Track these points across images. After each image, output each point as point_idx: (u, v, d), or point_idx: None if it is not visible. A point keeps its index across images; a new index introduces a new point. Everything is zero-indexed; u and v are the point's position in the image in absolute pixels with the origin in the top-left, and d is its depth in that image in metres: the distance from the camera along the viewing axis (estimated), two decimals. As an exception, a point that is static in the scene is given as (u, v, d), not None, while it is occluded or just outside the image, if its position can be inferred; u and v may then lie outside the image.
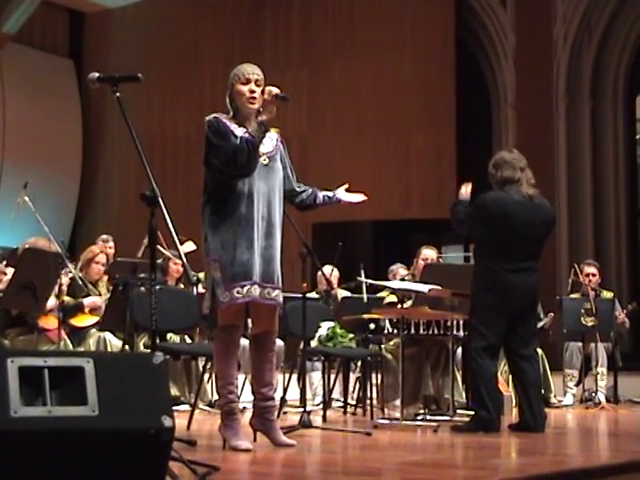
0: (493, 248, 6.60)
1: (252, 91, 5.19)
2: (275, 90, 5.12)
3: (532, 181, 6.77)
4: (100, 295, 8.71)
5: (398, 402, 7.74)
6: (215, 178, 5.15)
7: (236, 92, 5.23)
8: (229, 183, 5.10)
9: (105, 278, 8.99)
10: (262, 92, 5.18)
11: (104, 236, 10.33)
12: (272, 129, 5.29)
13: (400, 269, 9.92)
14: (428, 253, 8.95)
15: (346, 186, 5.66)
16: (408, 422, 7.06)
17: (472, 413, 6.78)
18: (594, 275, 10.59)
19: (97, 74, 4.44)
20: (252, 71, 5.24)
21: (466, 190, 6.94)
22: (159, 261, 8.88)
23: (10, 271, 7.63)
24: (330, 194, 5.59)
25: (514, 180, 6.69)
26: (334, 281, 10.23)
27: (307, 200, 5.50)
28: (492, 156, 7.04)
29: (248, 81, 5.20)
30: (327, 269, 9.70)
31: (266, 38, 15.62)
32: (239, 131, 5.15)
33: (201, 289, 8.51)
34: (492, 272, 6.58)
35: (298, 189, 5.48)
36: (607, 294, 10.79)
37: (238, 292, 5.02)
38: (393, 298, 8.90)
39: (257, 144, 5.07)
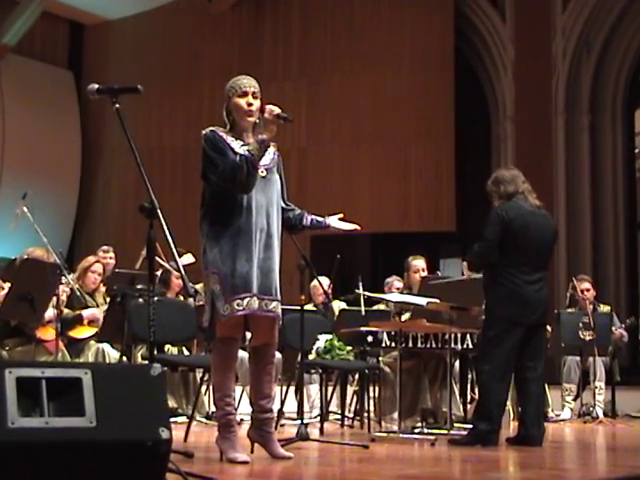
0: (510, 258, 6.57)
1: (249, 104, 5.17)
2: (277, 110, 5.08)
3: (534, 194, 6.81)
4: (98, 306, 8.70)
5: (396, 415, 7.73)
6: (213, 191, 5.13)
7: (233, 105, 5.21)
8: (227, 196, 5.08)
9: (103, 288, 8.99)
10: (262, 109, 5.13)
11: (105, 247, 10.30)
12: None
13: (396, 281, 9.92)
14: (418, 264, 8.94)
15: (340, 215, 5.63)
16: (405, 435, 7.06)
17: (470, 427, 6.78)
18: (588, 290, 10.60)
19: (97, 85, 4.45)
20: (249, 84, 5.21)
21: None
22: (159, 273, 8.88)
23: (7, 286, 7.61)
24: (320, 218, 5.53)
25: (519, 192, 6.72)
26: (320, 291, 10.20)
27: (293, 220, 5.42)
28: (490, 169, 7.07)
29: (245, 94, 5.18)
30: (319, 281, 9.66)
31: (265, 51, 15.65)
32: (236, 145, 5.13)
33: (199, 302, 8.52)
34: (509, 283, 6.55)
35: (285, 207, 5.41)
36: (604, 308, 10.79)
37: (238, 304, 4.99)
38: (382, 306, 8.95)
39: (257, 163, 5.04)
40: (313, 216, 5.51)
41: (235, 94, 5.19)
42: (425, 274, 8.78)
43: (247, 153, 5.02)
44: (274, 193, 5.24)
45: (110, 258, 10.11)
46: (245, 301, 5.01)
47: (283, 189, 5.39)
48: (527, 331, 6.61)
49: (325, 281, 9.70)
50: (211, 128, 5.17)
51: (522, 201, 6.70)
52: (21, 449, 3.16)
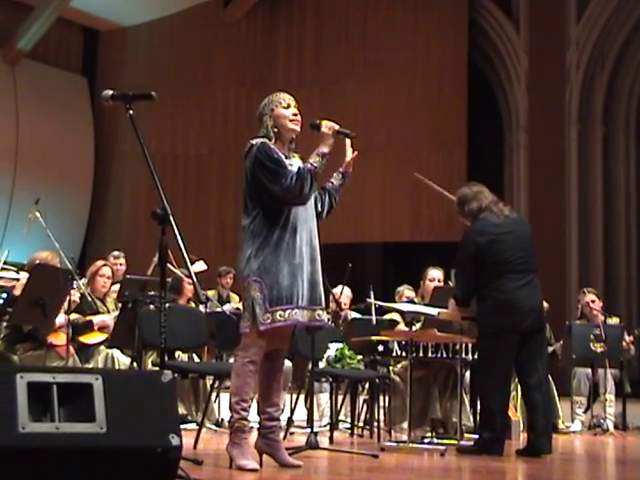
0: (494, 272, 6.61)
1: (295, 114, 5.29)
2: (336, 126, 5.27)
3: (499, 203, 6.85)
4: (109, 311, 8.68)
5: (405, 425, 7.71)
6: (260, 201, 5.15)
7: (278, 115, 5.28)
8: (276, 209, 5.14)
9: (115, 293, 8.97)
10: (318, 125, 5.26)
11: (115, 252, 10.31)
12: (296, 155, 5.33)
13: (406, 290, 9.91)
14: (435, 274, 8.95)
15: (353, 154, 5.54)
16: (415, 445, 7.03)
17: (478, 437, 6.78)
18: (593, 301, 10.57)
19: (111, 91, 4.45)
20: (290, 97, 5.36)
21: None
22: (169, 280, 8.86)
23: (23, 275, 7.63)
24: (334, 179, 5.52)
25: (483, 208, 6.76)
26: (346, 301, 10.21)
27: (322, 204, 5.47)
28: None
29: (289, 106, 5.31)
30: (337, 289, 9.69)
31: (279, 58, 15.68)
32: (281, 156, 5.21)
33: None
34: (499, 294, 6.57)
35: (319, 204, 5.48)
36: (613, 319, 10.77)
37: (280, 315, 5.06)
38: (395, 316, 8.93)
39: (318, 175, 5.17)
40: (330, 184, 5.52)
41: (280, 105, 5.30)
42: (441, 284, 8.79)
43: (310, 166, 5.14)
44: (312, 207, 5.34)
45: (120, 264, 10.11)
46: (287, 312, 5.08)
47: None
48: (522, 338, 6.62)
49: (338, 289, 9.71)
50: (261, 140, 5.21)
51: (488, 216, 6.75)
52: (32, 454, 3.17)
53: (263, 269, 5.07)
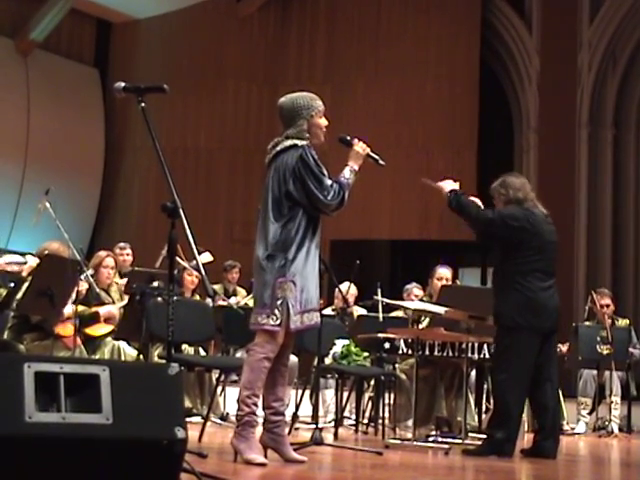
0: (525, 265, 6.54)
1: (326, 126, 5.42)
2: (368, 149, 5.52)
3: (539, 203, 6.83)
4: (114, 302, 8.68)
5: (410, 422, 7.72)
6: (299, 204, 5.20)
7: (316, 124, 5.38)
8: (310, 213, 5.22)
9: (121, 284, 8.97)
10: (350, 142, 5.52)
11: (121, 244, 10.31)
12: None
13: (415, 289, 9.91)
14: (443, 272, 8.94)
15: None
16: (419, 443, 7.04)
17: (484, 437, 6.75)
18: (608, 306, 10.54)
19: (123, 83, 4.46)
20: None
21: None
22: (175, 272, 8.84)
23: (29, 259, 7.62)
24: None
25: (528, 199, 6.71)
26: (351, 299, 10.21)
27: None
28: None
29: (323, 116, 5.42)
30: (344, 286, 9.69)
31: (290, 54, 15.67)
32: None
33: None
34: (526, 290, 6.50)
35: None
36: (623, 322, 10.75)
37: (308, 317, 5.18)
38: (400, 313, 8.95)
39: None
40: None
41: (318, 114, 5.41)
42: (448, 283, 8.78)
43: (346, 181, 5.33)
44: None
45: (127, 255, 10.11)
46: (312, 314, 5.21)
47: None
48: (541, 340, 6.59)
49: (345, 286, 9.72)
50: (306, 143, 5.28)
51: (532, 207, 6.70)
52: (37, 443, 3.17)
53: (297, 271, 5.13)
